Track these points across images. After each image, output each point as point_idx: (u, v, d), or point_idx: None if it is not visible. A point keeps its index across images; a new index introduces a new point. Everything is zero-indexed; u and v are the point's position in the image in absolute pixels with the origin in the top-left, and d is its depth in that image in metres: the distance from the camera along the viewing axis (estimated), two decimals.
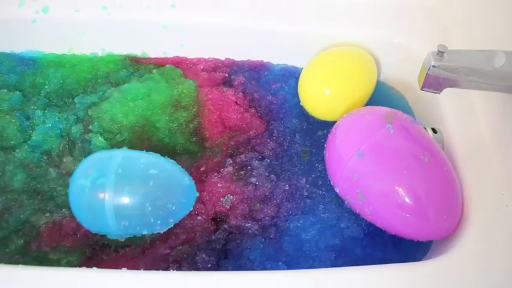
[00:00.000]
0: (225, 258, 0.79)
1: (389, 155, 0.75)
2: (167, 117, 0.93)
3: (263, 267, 0.77)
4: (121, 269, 0.67)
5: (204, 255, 0.77)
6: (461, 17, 0.98)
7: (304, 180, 0.87)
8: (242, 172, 0.87)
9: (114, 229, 0.71)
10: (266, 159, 0.90)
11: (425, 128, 0.83)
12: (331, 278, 0.68)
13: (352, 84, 0.93)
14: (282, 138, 0.94)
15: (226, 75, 1.04)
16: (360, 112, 0.83)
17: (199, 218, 0.81)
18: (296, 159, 0.91)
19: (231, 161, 0.89)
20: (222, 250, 0.80)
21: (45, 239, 0.79)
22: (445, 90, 0.73)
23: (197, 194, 0.79)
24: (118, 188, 0.70)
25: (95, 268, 0.67)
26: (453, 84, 0.72)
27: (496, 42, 0.79)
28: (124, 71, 1.02)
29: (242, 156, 0.89)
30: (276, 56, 1.07)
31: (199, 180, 0.85)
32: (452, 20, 1.00)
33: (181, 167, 0.78)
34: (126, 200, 0.70)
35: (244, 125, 0.94)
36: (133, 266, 0.75)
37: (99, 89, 0.99)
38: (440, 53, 0.70)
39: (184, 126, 0.93)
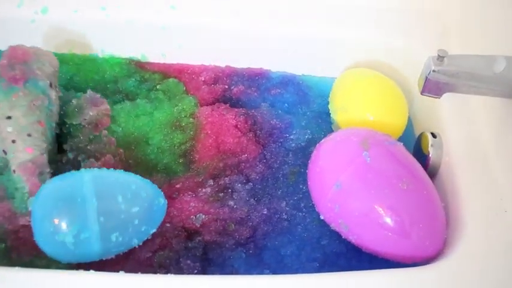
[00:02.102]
0: (209, 265, 0.78)
1: (367, 184, 0.74)
2: (161, 137, 0.93)
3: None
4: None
5: (188, 261, 0.76)
6: (461, 21, 0.98)
7: (285, 203, 0.86)
8: (221, 194, 0.85)
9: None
10: (250, 183, 0.88)
11: (424, 133, 0.83)
12: (322, 282, 0.67)
13: (394, 112, 0.93)
14: (272, 160, 0.92)
15: (226, 86, 1.03)
16: (337, 137, 0.83)
17: (168, 225, 0.81)
18: (282, 181, 0.89)
19: (212, 183, 0.87)
20: (204, 258, 0.78)
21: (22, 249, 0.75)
22: (444, 94, 0.73)
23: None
24: (104, 234, 0.69)
25: (92, 271, 0.66)
26: (453, 89, 0.72)
27: (496, 47, 0.79)
28: (132, 80, 1.02)
29: (226, 178, 0.88)
30: (275, 63, 1.07)
31: (170, 197, 0.83)
32: (451, 23, 1.00)
33: (155, 183, 0.78)
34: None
35: (238, 149, 0.92)
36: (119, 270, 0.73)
37: (110, 96, 0.98)
38: (440, 58, 0.70)
39: (176, 147, 0.92)
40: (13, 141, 0.77)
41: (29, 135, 0.78)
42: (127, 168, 0.86)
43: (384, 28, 1.01)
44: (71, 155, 0.84)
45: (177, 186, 0.87)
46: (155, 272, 0.75)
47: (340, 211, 0.76)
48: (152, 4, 1.02)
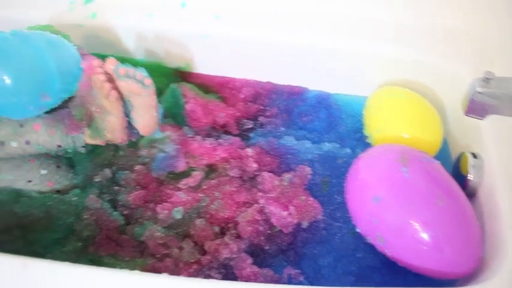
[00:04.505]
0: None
1: (405, 199, 0.76)
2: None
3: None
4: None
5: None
6: (496, 41, 0.98)
7: (322, 212, 0.87)
8: None
9: None
10: None
11: (464, 153, 0.83)
12: None
13: (429, 131, 0.94)
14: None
15: (262, 107, 1.06)
16: (375, 153, 0.85)
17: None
18: (316, 189, 0.91)
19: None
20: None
21: (103, 245, 0.81)
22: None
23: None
24: None
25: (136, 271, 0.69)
26: (498, 111, 0.73)
27: None
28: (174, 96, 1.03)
29: None
30: (312, 81, 1.09)
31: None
32: (486, 43, 1.00)
33: None
34: None
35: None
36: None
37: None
38: (486, 80, 0.71)
39: None
40: None
41: None
42: None
43: (416, 46, 1.02)
44: None
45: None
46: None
47: (378, 225, 0.77)
48: (197, 14, 1.05)
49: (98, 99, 0.81)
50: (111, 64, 0.81)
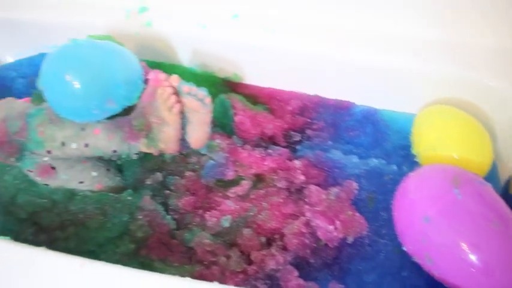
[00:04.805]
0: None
1: (457, 221, 0.75)
2: None
3: None
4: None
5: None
6: None
7: (367, 228, 0.87)
8: None
9: None
10: None
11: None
12: None
13: (479, 151, 0.93)
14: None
15: (309, 120, 1.07)
16: (426, 173, 0.84)
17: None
18: (361, 205, 0.91)
19: None
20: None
21: (155, 248, 0.83)
22: None
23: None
24: None
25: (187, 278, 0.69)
26: None
27: None
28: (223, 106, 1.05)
29: None
30: (360, 96, 1.09)
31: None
32: None
33: None
34: None
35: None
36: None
37: None
38: None
39: None
40: None
41: None
42: None
43: (464, 64, 1.01)
44: None
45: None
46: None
47: (427, 244, 0.77)
48: (248, 25, 1.07)
49: (159, 111, 0.84)
50: (174, 81, 0.85)
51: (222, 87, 1.11)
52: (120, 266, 0.69)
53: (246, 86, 1.12)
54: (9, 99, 0.90)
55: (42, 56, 1.21)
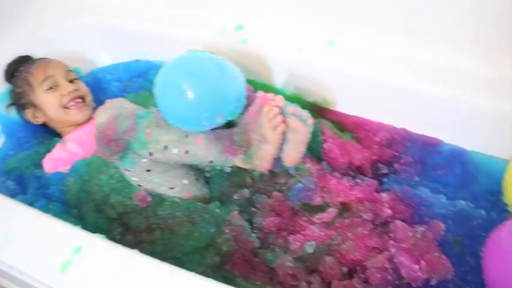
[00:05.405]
0: None
1: None
2: None
3: None
4: None
5: None
6: None
7: (453, 272, 0.84)
8: None
9: None
10: None
11: None
12: None
13: None
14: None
15: (396, 153, 1.05)
16: None
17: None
18: (447, 247, 0.87)
19: None
20: None
21: (238, 264, 0.85)
22: None
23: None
24: None
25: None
26: None
27: None
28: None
29: None
30: (448, 134, 1.06)
31: None
32: None
33: None
34: None
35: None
36: None
37: None
38: None
39: None
40: None
41: None
42: None
43: None
44: None
45: None
46: None
47: None
48: (343, 53, 1.08)
49: (262, 128, 0.85)
50: (280, 102, 0.87)
51: (310, 111, 1.11)
52: (209, 279, 0.70)
53: (333, 112, 1.13)
54: (121, 99, 0.95)
55: (137, 62, 1.29)
